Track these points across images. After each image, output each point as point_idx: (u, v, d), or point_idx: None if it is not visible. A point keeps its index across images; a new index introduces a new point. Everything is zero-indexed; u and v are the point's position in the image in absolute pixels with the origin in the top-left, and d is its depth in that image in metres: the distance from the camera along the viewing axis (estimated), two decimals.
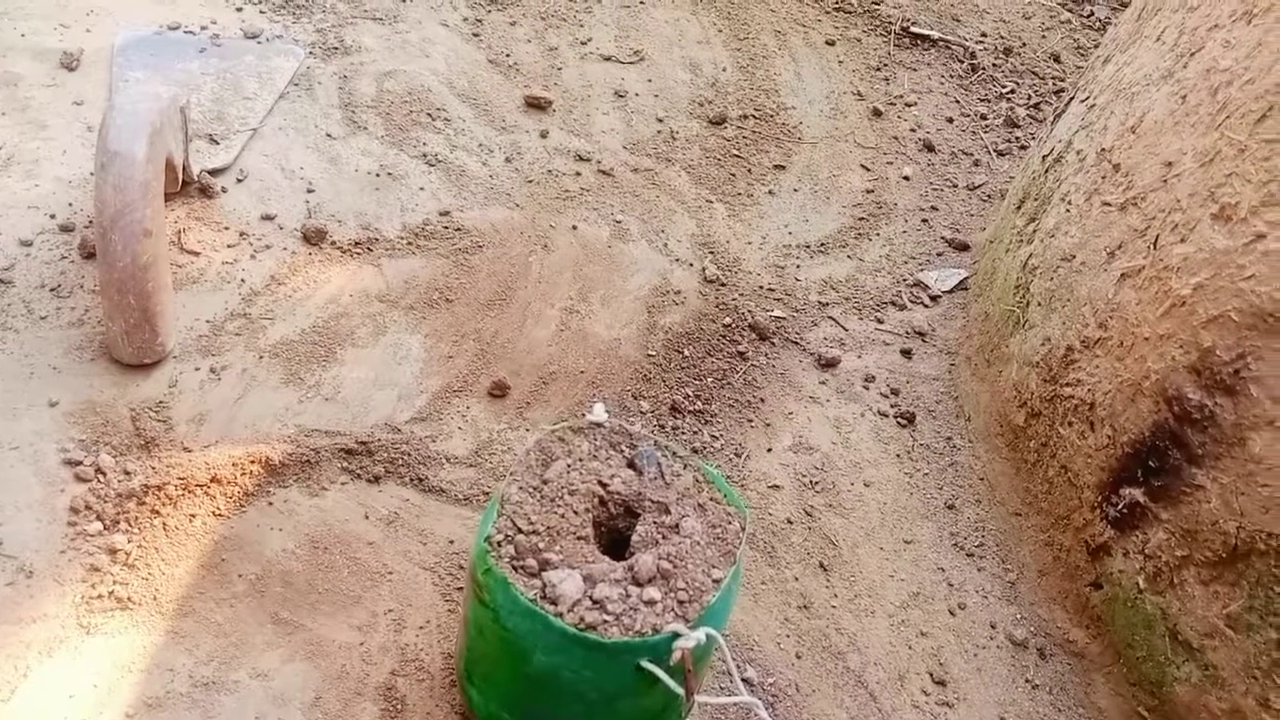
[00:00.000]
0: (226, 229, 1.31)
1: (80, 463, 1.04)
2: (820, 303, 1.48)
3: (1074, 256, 1.17)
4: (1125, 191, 1.11)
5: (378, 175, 1.44)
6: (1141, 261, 1.05)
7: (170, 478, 1.04)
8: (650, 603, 0.76)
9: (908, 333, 1.47)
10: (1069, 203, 1.22)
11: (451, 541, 1.07)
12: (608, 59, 1.76)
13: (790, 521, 1.19)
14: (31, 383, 1.09)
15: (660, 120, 1.69)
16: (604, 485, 0.84)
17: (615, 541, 0.85)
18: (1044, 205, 1.30)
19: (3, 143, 1.33)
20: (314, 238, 1.32)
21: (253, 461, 1.07)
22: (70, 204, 1.28)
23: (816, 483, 1.24)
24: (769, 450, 1.27)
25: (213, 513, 1.04)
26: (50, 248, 1.23)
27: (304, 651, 0.96)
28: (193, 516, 1.03)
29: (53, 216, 1.26)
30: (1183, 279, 0.99)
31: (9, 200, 1.26)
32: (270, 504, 1.06)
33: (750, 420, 1.30)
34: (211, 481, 1.05)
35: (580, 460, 0.85)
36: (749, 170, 1.66)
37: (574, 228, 1.46)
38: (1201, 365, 0.95)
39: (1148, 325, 1.02)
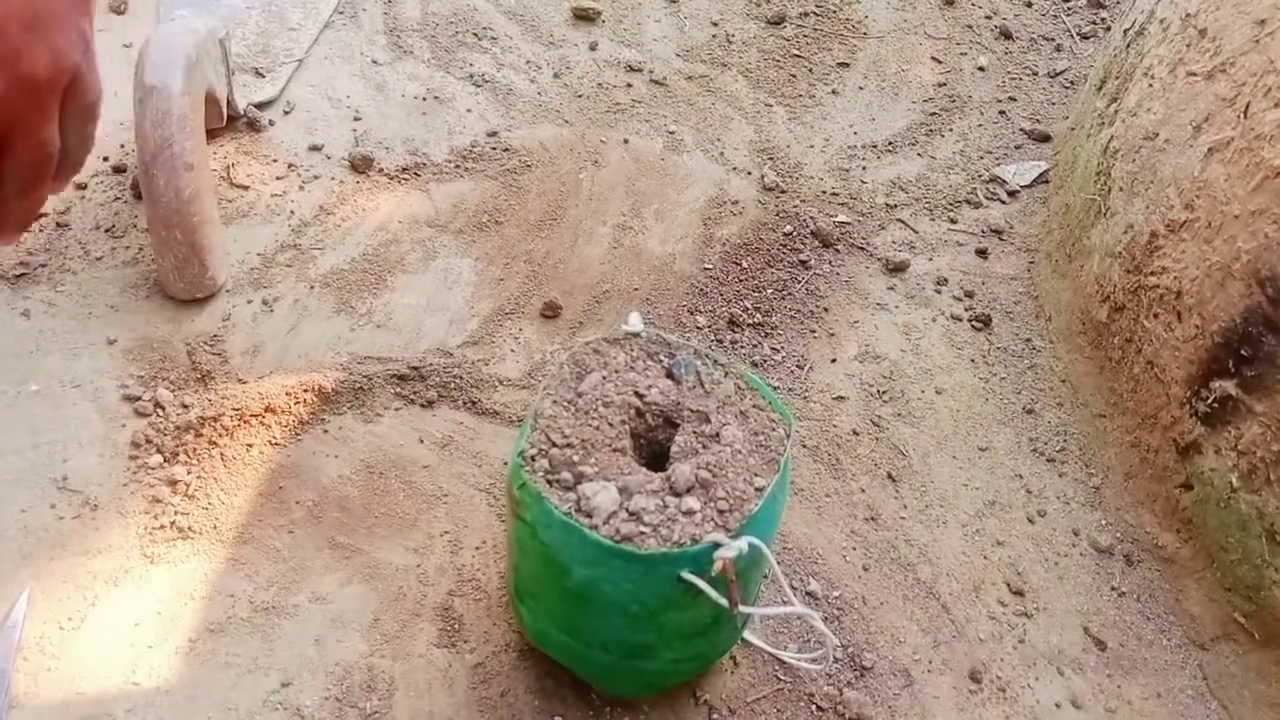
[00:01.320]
0: (274, 161, 1.30)
1: (139, 398, 1.05)
2: (888, 205, 1.40)
3: (1157, 134, 1.08)
4: (1212, 58, 1.01)
5: (424, 100, 1.41)
6: (1231, 133, 0.96)
7: (226, 409, 1.04)
8: (689, 513, 0.73)
9: (983, 232, 1.39)
10: (1151, 77, 1.12)
11: (506, 463, 1.06)
12: None
13: (856, 433, 1.14)
14: (90, 322, 1.11)
15: (715, 24, 1.61)
16: (640, 396, 0.81)
17: (655, 454, 0.82)
18: (1125, 83, 1.20)
19: None
20: (361, 166, 1.30)
21: (306, 390, 1.07)
22: (122, 145, 1.29)
23: (884, 392, 1.19)
24: (833, 361, 1.22)
25: (269, 442, 1.04)
26: (104, 189, 1.24)
27: (361, 575, 0.96)
28: (250, 446, 1.03)
29: (105, 159, 1.27)
30: (1277, 148, 0.90)
31: None
32: (325, 431, 1.06)
33: (813, 331, 1.24)
34: (266, 411, 1.05)
35: (616, 372, 0.82)
36: (810, 70, 1.58)
37: (625, 141, 1.42)
38: None
39: (1238, 202, 0.93)
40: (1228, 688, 0.96)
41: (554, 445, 0.77)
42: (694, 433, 0.79)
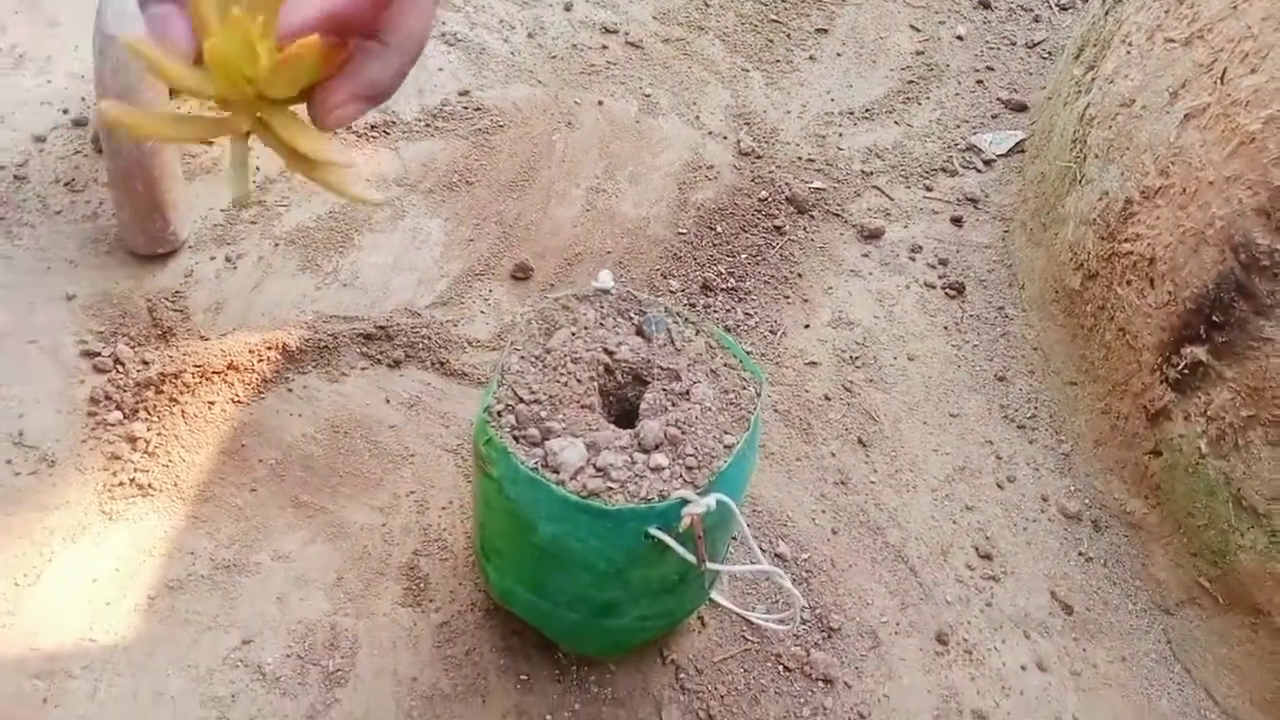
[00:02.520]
0: None
1: (98, 354, 1.03)
2: (864, 172, 1.39)
3: (1134, 101, 1.07)
4: (1190, 25, 1.01)
5: None
6: (1207, 99, 0.96)
7: (187, 366, 1.02)
8: (657, 469, 0.72)
9: (959, 200, 1.38)
10: (1129, 44, 1.12)
11: (474, 423, 1.05)
12: None
13: (828, 398, 1.14)
14: (48, 276, 1.08)
15: None
16: (610, 353, 0.79)
17: (625, 412, 0.81)
18: (1103, 51, 1.19)
19: (15, 41, 1.30)
20: None
21: (270, 348, 1.05)
22: (83, 98, 1.25)
23: (857, 358, 1.19)
24: (806, 327, 1.21)
25: (231, 400, 1.02)
26: (64, 142, 1.21)
27: (325, 534, 0.94)
28: (211, 404, 1.01)
29: (65, 111, 1.24)
30: (1253, 113, 0.89)
31: (22, 97, 1.24)
32: (289, 390, 1.04)
33: (787, 297, 1.24)
34: (229, 369, 1.03)
35: (585, 328, 0.81)
36: (788, 35, 1.56)
37: (600, 103, 1.40)
38: (1272, 206, 0.86)
39: (1213, 167, 0.93)
40: (1191, 651, 0.96)
41: (521, 401, 0.76)
42: (663, 390, 0.78)
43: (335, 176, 0.45)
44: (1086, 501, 1.07)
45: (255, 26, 0.40)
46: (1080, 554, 1.03)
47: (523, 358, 0.79)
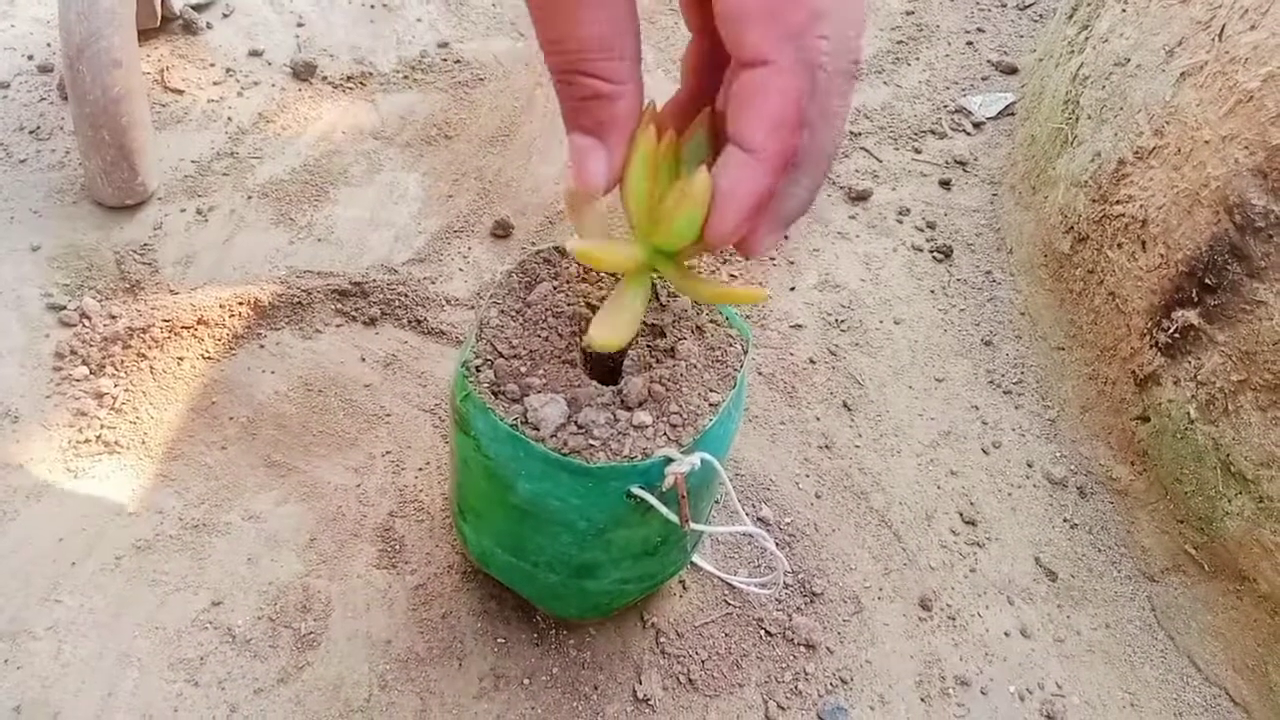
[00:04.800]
0: (212, 66, 1.23)
1: (64, 307, 1.00)
2: (852, 133, 1.37)
3: (1128, 60, 1.05)
4: None
5: (372, 7, 1.34)
6: (1204, 56, 0.94)
7: (156, 320, 0.99)
8: (640, 427, 0.70)
9: (947, 162, 1.36)
10: (1125, 2, 1.09)
11: (452, 381, 1.02)
12: None
13: (813, 361, 1.12)
14: (12, 227, 1.05)
15: None
16: (593, 308, 0.77)
17: (607, 369, 0.78)
18: (1097, 9, 1.17)
19: None
20: (304, 73, 1.24)
21: (241, 303, 1.02)
22: (48, 44, 1.21)
23: (843, 321, 1.17)
24: (792, 289, 1.19)
25: (201, 356, 0.99)
26: (28, 89, 1.17)
27: (298, 494, 0.92)
28: (180, 360, 0.98)
29: (30, 57, 1.20)
30: (1251, 70, 0.87)
31: None
32: (261, 347, 1.01)
33: (772, 259, 1.21)
34: (199, 324, 1.00)
35: (568, 282, 0.78)
36: None
37: None
38: (1269, 166, 0.84)
39: (1209, 127, 0.91)
40: (1175, 619, 0.96)
41: (500, 356, 0.74)
42: (648, 346, 0.76)
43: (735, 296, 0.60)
44: (1072, 467, 1.06)
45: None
46: (1065, 520, 1.02)
47: (502, 311, 0.76)
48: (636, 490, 0.69)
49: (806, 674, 0.87)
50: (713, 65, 0.49)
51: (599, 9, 0.42)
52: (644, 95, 0.46)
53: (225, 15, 1.29)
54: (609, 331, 0.58)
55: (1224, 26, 0.91)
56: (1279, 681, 0.88)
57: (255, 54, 1.25)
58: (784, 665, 0.87)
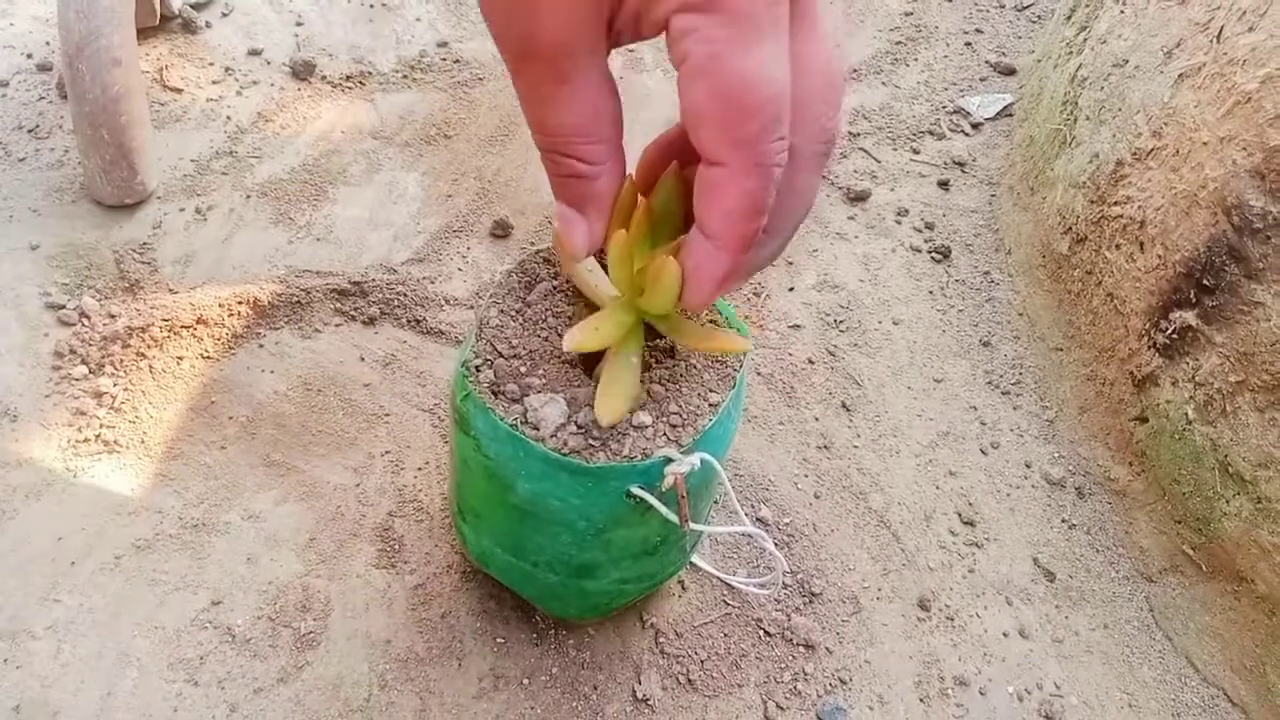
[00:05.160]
0: (211, 65, 1.23)
1: (63, 306, 1.00)
2: (851, 133, 1.37)
3: (1127, 61, 1.05)
4: None
5: (371, 6, 1.34)
6: (1202, 58, 0.94)
7: (155, 320, 0.99)
8: (640, 427, 0.70)
9: (946, 163, 1.36)
10: (1123, 3, 1.10)
11: (452, 380, 1.02)
12: None
13: (811, 361, 1.12)
14: (10, 226, 1.05)
15: None
16: (591, 307, 0.77)
17: None
18: (1096, 10, 1.17)
19: None
20: (303, 72, 1.24)
21: (240, 303, 1.02)
22: (47, 43, 1.21)
23: (841, 321, 1.17)
24: (791, 290, 1.19)
25: (201, 355, 0.99)
26: (27, 88, 1.17)
27: (297, 493, 0.92)
28: (180, 359, 0.98)
29: (29, 56, 1.20)
30: (1249, 72, 0.87)
31: None
32: (261, 346, 1.01)
33: None
34: (198, 323, 1.00)
35: (567, 281, 0.78)
36: None
37: None
38: (1266, 167, 0.85)
39: (1207, 128, 0.91)
40: (1173, 619, 0.96)
41: (500, 356, 0.74)
42: (647, 346, 0.76)
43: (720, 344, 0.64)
44: (1070, 468, 1.06)
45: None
46: (1063, 521, 1.03)
47: (502, 311, 0.76)
48: (636, 490, 0.69)
49: (805, 674, 0.87)
50: None
51: (582, 96, 0.44)
52: (625, 170, 0.50)
53: (224, 14, 1.29)
54: (612, 407, 0.64)
55: (1222, 28, 0.92)
56: (1277, 682, 0.89)
57: (254, 53, 1.25)
58: (783, 665, 0.87)
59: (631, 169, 0.54)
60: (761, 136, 0.41)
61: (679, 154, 0.53)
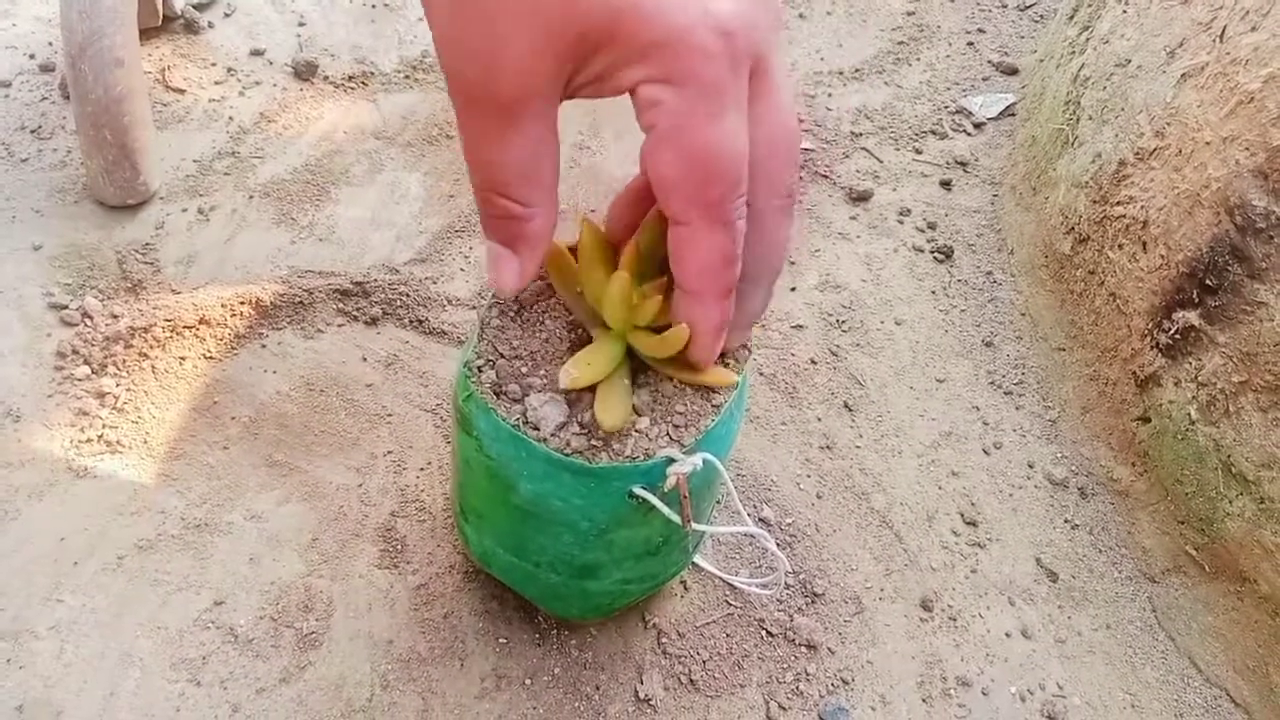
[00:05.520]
0: (213, 65, 1.23)
1: (66, 306, 1.00)
2: (853, 133, 1.37)
3: (1129, 61, 1.05)
4: None
5: (374, 6, 1.34)
6: (1205, 58, 0.94)
7: (158, 320, 0.99)
8: (642, 429, 0.70)
9: (948, 163, 1.36)
10: (1126, 3, 1.10)
11: (454, 381, 1.02)
12: None
13: (814, 362, 1.12)
14: (13, 227, 1.05)
15: None
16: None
17: None
18: (1099, 10, 1.17)
19: None
20: (305, 73, 1.24)
21: (243, 303, 1.02)
22: (50, 43, 1.21)
23: (843, 321, 1.17)
24: (793, 290, 1.19)
25: (203, 355, 0.99)
26: (30, 89, 1.17)
27: (300, 493, 0.92)
28: (183, 359, 0.98)
29: (32, 56, 1.20)
30: (1252, 72, 0.87)
31: None
32: (263, 346, 1.02)
33: None
34: (200, 323, 1.00)
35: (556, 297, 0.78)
36: None
37: None
38: (1270, 167, 0.84)
39: (1209, 128, 0.91)
40: (1175, 619, 0.96)
41: (502, 356, 0.74)
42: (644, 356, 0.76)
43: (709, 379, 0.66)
44: (1073, 468, 1.06)
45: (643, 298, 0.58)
46: (1066, 521, 1.03)
47: (503, 312, 0.76)
48: (639, 490, 0.69)
49: (808, 674, 0.87)
50: None
51: (526, 140, 0.46)
52: (556, 212, 0.52)
53: (227, 14, 1.29)
54: (613, 413, 0.66)
55: (1225, 28, 0.91)
56: None
57: (257, 53, 1.25)
58: (785, 666, 0.87)
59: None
60: (725, 199, 0.44)
61: (646, 201, 0.56)
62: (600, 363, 0.67)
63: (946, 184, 1.33)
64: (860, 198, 1.29)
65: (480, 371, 0.73)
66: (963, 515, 1.02)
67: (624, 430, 0.70)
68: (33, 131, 1.13)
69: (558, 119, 0.47)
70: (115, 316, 1.00)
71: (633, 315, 0.62)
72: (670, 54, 0.41)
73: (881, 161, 1.34)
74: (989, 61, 1.49)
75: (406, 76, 1.28)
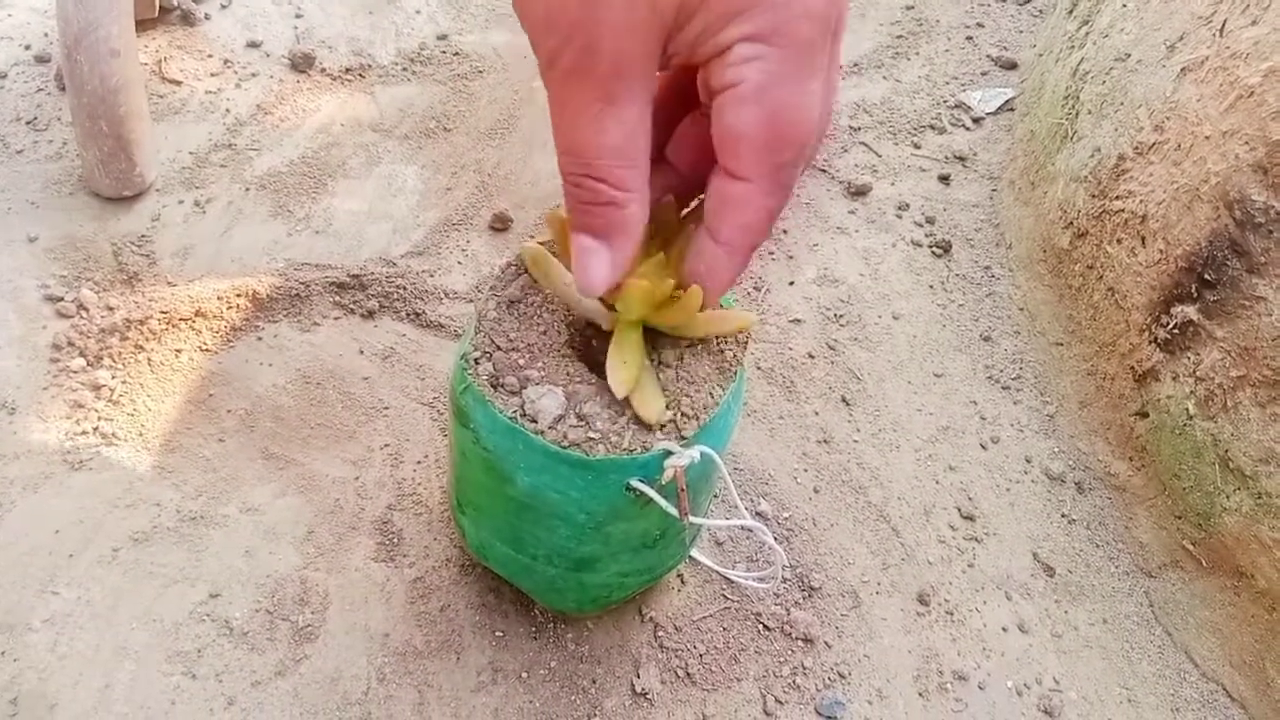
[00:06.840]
0: (209, 57, 1.23)
1: (61, 299, 0.99)
2: (852, 127, 1.37)
3: (1129, 55, 1.05)
4: None
5: None
6: (1205, 52, 0.93)
7: (154, 312, 0.99)
8: (639, 421, 0.70)
9: (947, 158, 1.36)
10: None
11: (451, 373, 1.02)
12: None
13: (811, 356, 1.12)
14: (8, 218, 1.04)
15: None
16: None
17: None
18: (1098, 4, 1.17)
19: None
20: (302, 65, 1.23)
21: (239, 295, 1.02)
22: (46, 34, 1.21)
23: (841, 316, 1.17)
24: (791, 284, 1.19)
25: (199, 348, 0.99)
26: (25, 80, 1.16)
27: (296, 486, 0.92)
28: (178, 352, 0.98)
29: (27, 47, 1.19)
30: (1252, 66, 0.87)
31: None
32: (259, 339, 1.01)
33: (771, 253, 1.21)
34: (196, 315, 1.00)
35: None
36: None
37: None
38: (1269, 161, 0.84)
39: (1209, 123, 0.91)
40: (1172, 614, 0.96)
41: (498, 349, 0.73)
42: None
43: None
44: (1070, 463, 1.06)
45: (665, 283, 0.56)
46: (1063, 516, 1.02)
47: (500, 304, 0.76)
48: (636, 483, 0.69)
49: (804, 668, 0.87)
50: (678, 100, 0.53)
51: (625, 119, 0.43)
52: (649, 204, 0.49)
53: (223, 6, 1.28)
54: (651, 406, 0.66)
55: (1225, 21, 0.91)
56: (1276, 677, 0.88)
57: (253, 45, 1.25)
58: (782, 659, 0.87)
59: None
60: (794, 163, 0.43)
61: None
62: (634, 357, 0.67)
63: (945, 179, 1.33)
64: (859, 192, 1.29)
65: (477, 364, 0.73)
66: (960, 510, 1.01)
67: (621, 422, 0.69)
68: (28, 123, 1.12)
69: (651, 103, 0.45)
70: (111, 309, 0.99)
71: (650, 301, 0.61)
72: (773, 11, 0.40)
73: (880, 156, 1.34)
74: (988, 56, 1.49)
75: (404, 69, 1.27)
